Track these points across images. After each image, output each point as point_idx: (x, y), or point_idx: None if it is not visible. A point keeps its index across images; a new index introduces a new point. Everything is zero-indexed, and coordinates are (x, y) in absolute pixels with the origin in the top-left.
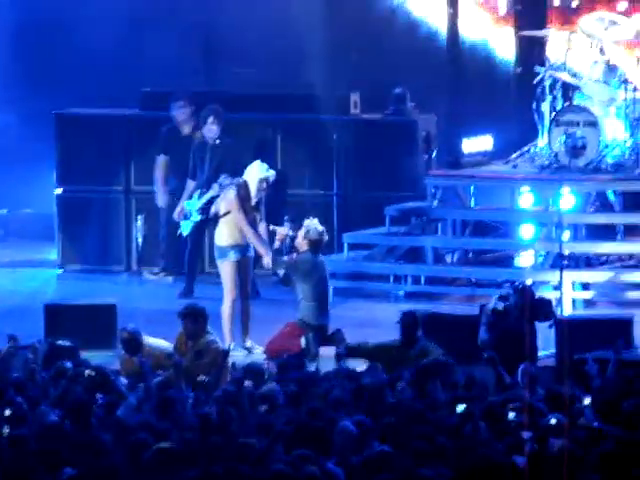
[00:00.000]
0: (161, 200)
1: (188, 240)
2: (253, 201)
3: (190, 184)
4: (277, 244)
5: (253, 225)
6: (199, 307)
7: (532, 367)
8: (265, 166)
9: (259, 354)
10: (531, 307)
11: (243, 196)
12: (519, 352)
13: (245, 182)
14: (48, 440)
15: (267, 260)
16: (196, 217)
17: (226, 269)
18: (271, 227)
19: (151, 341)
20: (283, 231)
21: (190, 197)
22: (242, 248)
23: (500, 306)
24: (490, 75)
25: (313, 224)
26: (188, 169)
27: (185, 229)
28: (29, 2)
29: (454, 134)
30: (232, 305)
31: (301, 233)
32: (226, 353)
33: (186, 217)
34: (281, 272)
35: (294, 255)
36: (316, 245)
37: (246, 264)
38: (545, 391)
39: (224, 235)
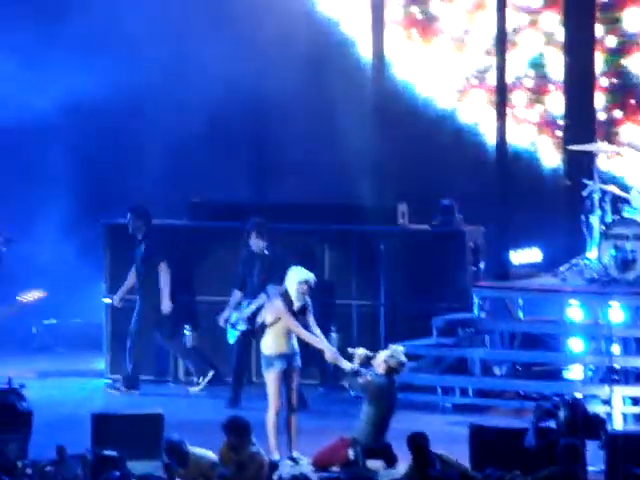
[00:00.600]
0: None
1: (235, 350)
2: (295, 305)
3: (237, 294)
4: (356, 366)
5: (306, 329)
6: (242, 420)
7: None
8: (304, 270)
9: (305, 465)
10: (582, 423)
11: (287, 303)
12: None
13: (286, 290)
14: None
15: (329, 354)
16: (242, 326)
17: (271, 378)
18: (349, 350)
19: (197, 451)
20: (361, 352)
21: (237, 306)
22: (288, 357)
23: (551, 423)
24: (539, 186)
25: (398, 351)
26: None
27: (232, 338)
28: (82, 114)
29: (502, 245)
30: (276, 415)
31: (382, 355)
32: (274, 465)
33: (233, 326)
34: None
35: (368, 376)
36: (393, 372)
37: (292, 374)
38: None
39: (269, 344)
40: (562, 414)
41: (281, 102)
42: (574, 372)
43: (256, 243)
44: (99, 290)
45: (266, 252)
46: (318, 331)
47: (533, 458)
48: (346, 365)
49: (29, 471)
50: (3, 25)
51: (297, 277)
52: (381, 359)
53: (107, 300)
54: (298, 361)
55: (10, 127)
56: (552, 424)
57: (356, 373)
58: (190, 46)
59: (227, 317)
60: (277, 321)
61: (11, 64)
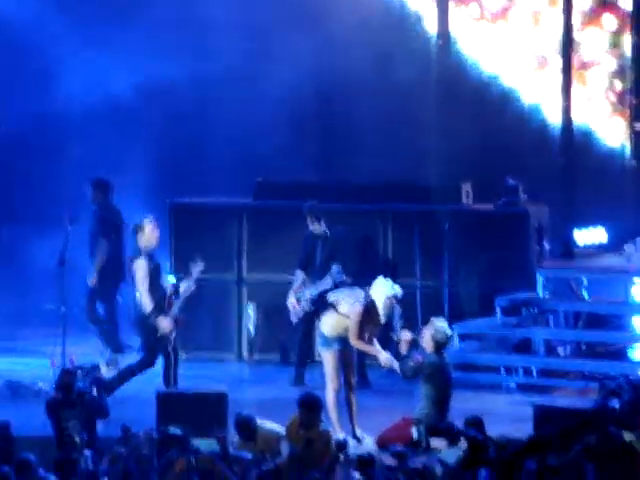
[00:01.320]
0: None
1: (299, 329)
2: (382, 319)
3: (300, 274)
4: (404, 351)
5: (370, 339)
6: (314, 397)
7: None
8: (390, 283)
9: (369, 444)
10: None
11: (370, 313)
12: None
13: (372, 301)
14: None
15: (383, 357)
16: (307, 307)
17: (329, 358)
18: (395, 337)
19: (266, 425)
20: (406, 337)
21: (301, 287)
22: (346, 339)
23: (615, 403)
24: (603, 166)
25: (441, 325)
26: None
27: (295, 318)
28: (156, 98)
29: (567, 225)
30: (335, 394)
31: (428, 333)
32: (342, 444)
33: (298, 306)
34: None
35: (420, 357)
36: (442, 346)
37: (349, 354)
38: None
39: (331, 325)
40: (626, 395)
41: (348, 81)
42: (639, 351)
43: (314, 228)
44: (165, 268)
45: (327, 232)
46: (394, 364)
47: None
48: (397, 366)
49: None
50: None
51: (385, 291)
52: (428, 337)
53: (172, 279)
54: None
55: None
56: (616, 404)
57: (406, 358)
58: (262, 30)
59: (295, 298)
60: (345, 317)
61: (90, 48)
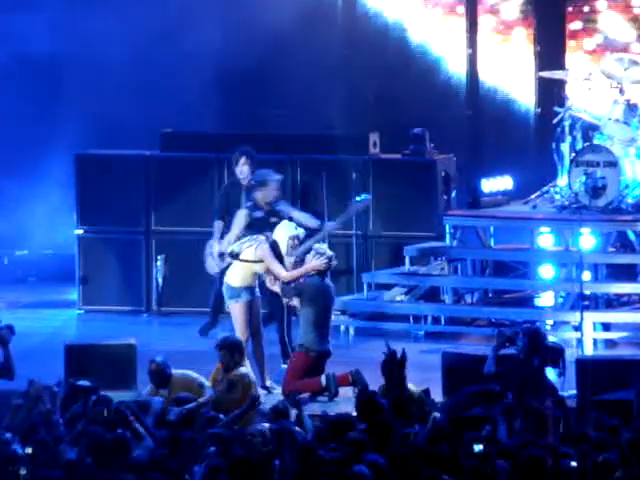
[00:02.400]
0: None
1: (216, 280)
2: (287, 260)
3: (219, 224)
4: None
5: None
6: (236, 339)
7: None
8: (293, 225)
9: (278, 393)
10: (541, 351)
11: (274, 254)
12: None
13: (275, 241)
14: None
15: (319, 262)
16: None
17: (238, 310)
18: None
19: (180, 371)
20: (290, 261)
21: (220, 238)
22: (252, 289)
23: (507, 351)
24: (509, 115)
25: (322, 248)
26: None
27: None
28: (56, 41)
29: (473, 174)
30: (244, 345)
31: (309, 257)
32: (255, 398)
33: (221, 258)
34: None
35: (301, 280)
36: (324, 270)
37: (256, 304)
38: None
39: (238, 276)
40: (520, 342)
41: (244, 34)
42: (545, 299)
43: (242, 171)
44: (71, 221)
45: (252, 182)
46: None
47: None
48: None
49: None
50: None
51: (287, 232)
52: (310, 258)
53: (78, 231)
54: (258, 291)
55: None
56: (512, 351)
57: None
58: None
59: (211, 246)
60: (251, 263)
61: None
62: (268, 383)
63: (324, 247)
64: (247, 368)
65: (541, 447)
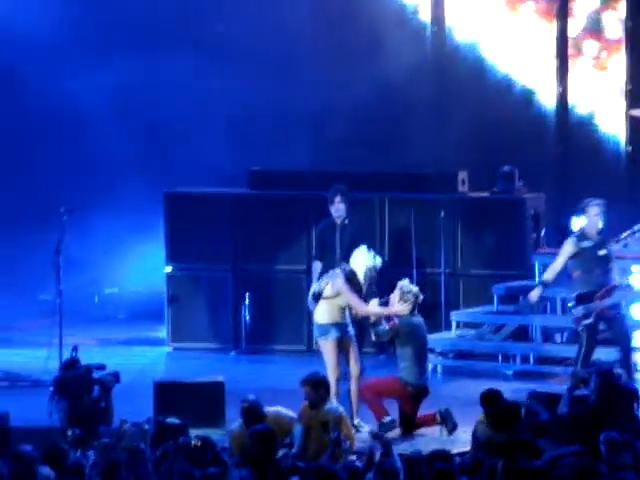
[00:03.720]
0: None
1: None
2: (364, 289)
3: (317, 265)
4: (372, 319)
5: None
6: (320, 375)
7: (616, 436)
8: (372, 253)
9: (365, 432)
10: (614, 392)
11: (352, 283)
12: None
13: (352, 271)
14: None
15: (399, 308)
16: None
17: (328, 347)
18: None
19: (272, 409)
20: (374, 304)
21: (319, 278)
22: (342, 326)
23: (581, 392)
24: (600, 153)
25: (406, 285)
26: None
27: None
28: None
29: (563, 212)
30: (336, 383)
31: (396, 296)
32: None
33: (316, 299)
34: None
35: (395, 320)
36: (413, 306)
37: (348, 341)
38: None
39: (325, 313)
40: (593, 383)
41: (346, 73)
42: (637, 339)
43: (339, 209)
44: (160, 259)
45: (346, 222)
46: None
47: (567, 425)
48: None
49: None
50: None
51: (366, 262)
52: (396, 300)
53: (167, 269)
54: (351, 330)
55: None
56: (584, 392)
57: (377, 324)
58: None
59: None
60: (333, 297)
61: None
62: (356, 422)
63: (407, 284)
64: (334, 402)
65: None
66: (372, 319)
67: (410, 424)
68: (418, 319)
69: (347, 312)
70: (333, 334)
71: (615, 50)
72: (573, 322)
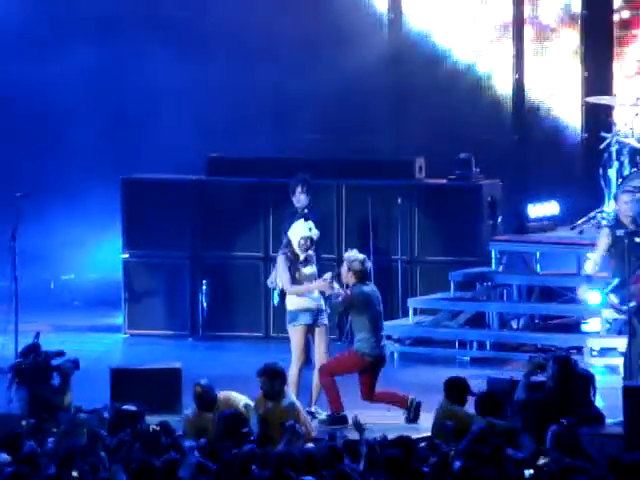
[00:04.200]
0: None
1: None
2: (301, 257)
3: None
4: (328, 291)
5: (309, 280)
6: (277, 366)
7: (561, 429)
8: (309, 225)
9: (323, 419)
10: (571, 378)
11: (289, 254)
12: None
13: (288, 239)
14: None
15: (322, 284)
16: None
17: (295, 334)
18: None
19: (223, 393)
20: (326, 276)
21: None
22: (313, 313)
23: (537, 376)
24: (556, 140)
25: (352, 255)
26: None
27: (275, 299)
28: (103, 69)
29: (519, 199)
30: (298, 372)
31: (344, 268)
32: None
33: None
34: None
35: (347, 292)
36: (363, 274)
37: (319, 331)
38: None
39: (293, 299)
40: (550, 369)
41: (306, 61)
42: (592, 324)
43: (300, 200)
44: (116, 246)
45: (306, 211)
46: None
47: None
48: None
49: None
50: None
51: (301, 232)
52: (345, 271)
53: (124, 255)
54: (324, 319)
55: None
56: (541, 378)
57: (331, 297)
58: None
59: (272, 280)
60: (302, 280)
61: None
62: (313, 409)
63: (354, 252)
64: (290, 395)
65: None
66: (327, 293)
67: (370, 394)
68: (371, 287)
69: (322, 300)
70: (301, 320)
71: (571, 36)
72: (614, 311)
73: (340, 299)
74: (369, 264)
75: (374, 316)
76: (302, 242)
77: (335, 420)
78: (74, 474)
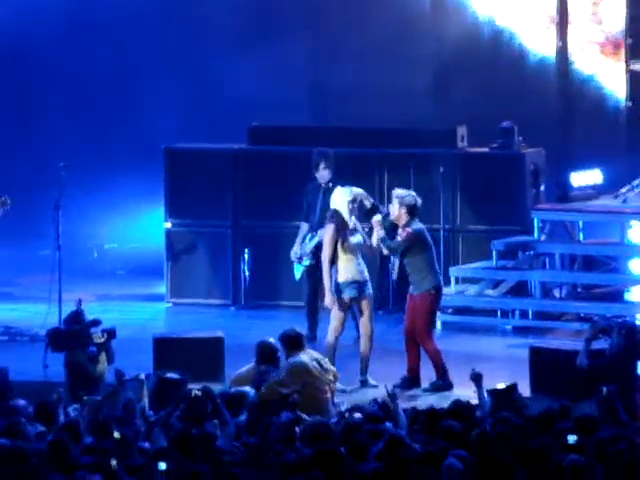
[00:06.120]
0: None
1: (306, 285)
2: (350, 225)
3: (304, 227)
4: (381, 233)
5: (362, 250)
6: (288, 333)
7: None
8: (348, 189)
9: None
10: (634, 347)
11: (339, 224)
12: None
13: (335, 210)
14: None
15: (327, 301)
16: (307, 261)
17: (336, 305)
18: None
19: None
20: (377, 218)
21: (303, 240)
22: (359, 285)
23: (605, 342)
24: (600, 108)
25: (402, 192)
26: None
27: (297, 273)
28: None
29: (563, 168)
30: (335, 340)
31: (395, 206)
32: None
33: (299, 261)
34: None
35: (404, 232)
36: (416, 209)
37: (365, 301)
38: None
39: (341, 271)
40: (615, 336)
41: (344, 28)
42: (635, 293)
43: (323, 175)
44: (159, 215)
45: (330, 185)
46: (383, 249)
47: (587, 379)
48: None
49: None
50: None
51: (344, 197)
52: (396, 209)
53: (167, 225)
54: (370, 288)
55: None
56: (606, 343)
57: (385, 238)
58: None
59: (296, 251)
60: (350, 253)
61: None
62: (363, 378)
63: (401, 190)
64: (306, 357)
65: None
66: (380, 234)
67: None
68: (422, 225)
69: (366, 271)
70: (346, 293)
71: (616, 2)
72: None
73: (400, 238)
74: (420, 200)
75: (433, 251)
76: (350, 206)
77: (440, 387)
78: (116, 435)
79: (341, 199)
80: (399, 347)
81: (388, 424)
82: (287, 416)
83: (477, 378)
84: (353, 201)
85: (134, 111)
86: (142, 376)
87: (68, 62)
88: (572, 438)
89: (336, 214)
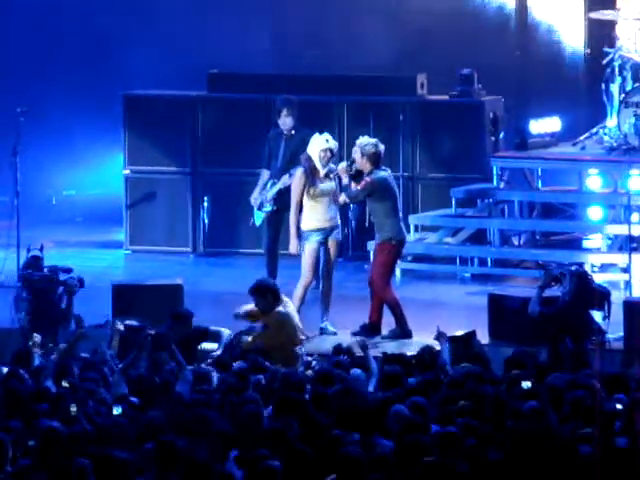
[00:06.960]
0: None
1: (265, 231)
2: (322, 172)
3: (265, 174)
4: (345, 180)
5: (335, 196)
6: (268, 282)
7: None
8: (325, 137)
9: (332, 334)
10: (587, 294)
11: (308, 170)
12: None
13: (308, 155)
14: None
15: (292, 247)
16: (268, 208)
17: (306, 252)
18: (332, 173)
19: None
20: (342, 165)
21: (264, 187)
22: (325, 231)
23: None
24: (558, 56)
25: (362, 140)
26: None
27: (258, 219)
28: None
29: (521, 115)
30: (304, 289)
31: (357, 154)
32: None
33: (259, 208)
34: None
35: (367, 179)
36: (377, 157)
37: (332, 244)
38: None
39: (305, 219)
40: (567, 284)
41: None
42: (593, 241)
43: (285, 122)
44: (118, 162)
45: (293, 132)
46: (342, 197)
47: (542, 325)
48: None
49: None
50: None
51: (320, 145)
52: (359, 157)
53: (126, 172)
54: (338, 234)
55: None
56: (558, 292)
57: (346, 187)
58: None
59: (256, 197)
60: (317, 198)
61: None
62: (323, 325)
63: (365, 138)
64: (286, 308)
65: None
66: (343, 180)
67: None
68: (387, 172)
69: (337, 217)
70: (313, 240)
71: None
72: None
73: (359, 187)
74: (382, 147)
75: (395, 200)
76: (322, 154)
77: (399, 335)
78: (64, 384)
79: (317, 146)
80: (358, 294)
81: (357, 370)
82: (240, 365)
83: (440, 337)
84: (327, 150)
85: (95, 58)
86: (120, 325)
87: (30, 7)
88: (526, 384)
89: (309, 159)
